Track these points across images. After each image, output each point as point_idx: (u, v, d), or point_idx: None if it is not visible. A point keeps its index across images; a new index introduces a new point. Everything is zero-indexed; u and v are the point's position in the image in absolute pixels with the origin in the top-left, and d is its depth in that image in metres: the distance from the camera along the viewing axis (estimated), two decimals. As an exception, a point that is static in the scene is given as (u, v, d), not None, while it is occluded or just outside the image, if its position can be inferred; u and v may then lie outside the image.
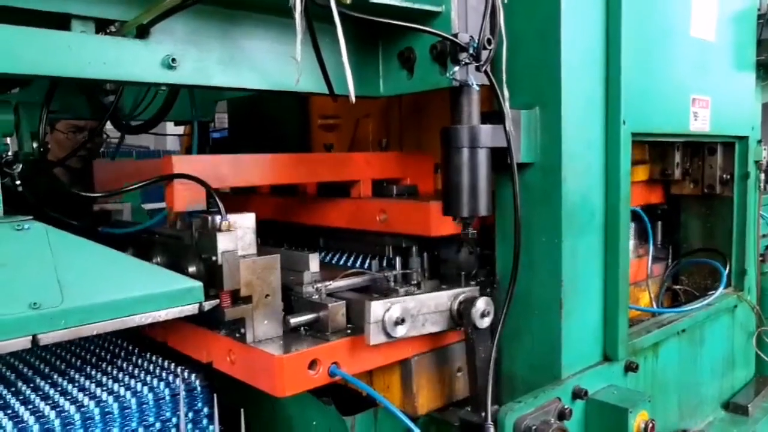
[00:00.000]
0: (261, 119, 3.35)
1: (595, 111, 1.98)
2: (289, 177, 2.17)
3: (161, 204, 4.05)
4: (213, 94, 3.00)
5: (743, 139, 2.75)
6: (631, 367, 2.12)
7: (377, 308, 1.71)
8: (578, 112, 1.91)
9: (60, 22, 1.40)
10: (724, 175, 2.76)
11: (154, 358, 1.97)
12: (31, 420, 1.49)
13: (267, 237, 2.26)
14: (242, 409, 1.82)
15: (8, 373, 1.83)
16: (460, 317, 1.89)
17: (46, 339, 1.36)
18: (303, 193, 2.50)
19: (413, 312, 1.79)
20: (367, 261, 2.31)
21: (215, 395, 1.76)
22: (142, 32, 1.45)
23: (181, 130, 4.43)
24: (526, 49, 1.89)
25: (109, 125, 2.57)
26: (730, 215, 2.77)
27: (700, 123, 2.41)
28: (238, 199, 2.66)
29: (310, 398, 2.00)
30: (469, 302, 1.86)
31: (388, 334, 1.73)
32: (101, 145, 3.44)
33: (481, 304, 1.85)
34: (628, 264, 2.11)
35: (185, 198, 1.79)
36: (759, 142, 2.85)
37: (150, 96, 2.31)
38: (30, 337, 1.33)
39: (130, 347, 2.09)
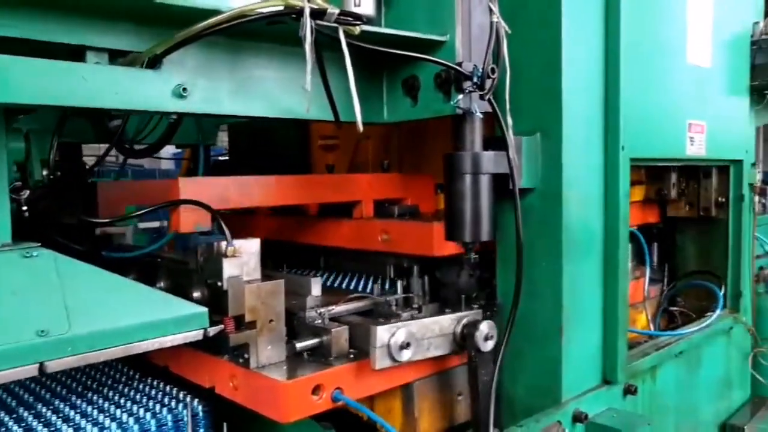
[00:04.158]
0: (261, 139, 3.37)
1: (594, 137, 2.02)
2: (293, 198, 2.18)
3: (156, 223, 4.01)
4: (218, 119, 3.01)
5: (738, 163, 2.80)
6: (630, 390, 2.13)
7: (383, 333, 1.72)
8: (579, 138, 1.94)
9: (75, 53, 1.42)
10: (719, 198, 2.80)
11: (155, 383, 1.96)
12: (36, 447, 1.48)
13: (267, 256, 2.27)
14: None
15: (9, 400, 1.82)
16: (463, 340, 1.90)
17: (52, 366, 1.35)
18: (304, 213, 2.51)
19: (418, 336, 1.80)
20: (368, 281, 2.32)
21: (225, 424, 1.75)
22: (155, 62, 1.47)
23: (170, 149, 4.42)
24: (528, 76, 1.92)
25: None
26: (725, 238, 2.81)
27: (696, 147, 2.45)
28: (238, 218, 2.67)
29: (310, 423, 1.99)
30: (473, 326, 1.88)
31: (393, 359, 1.74)
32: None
33: (485, 327, 1.87)
34: (627, 288, 2.14)
35: (191, 221, 1.80)
36: (753, 165, 2.90)
37: (154, 121, 2.32)
38: (37, 365, 1.33)
39: (131, 372, 2.08)
